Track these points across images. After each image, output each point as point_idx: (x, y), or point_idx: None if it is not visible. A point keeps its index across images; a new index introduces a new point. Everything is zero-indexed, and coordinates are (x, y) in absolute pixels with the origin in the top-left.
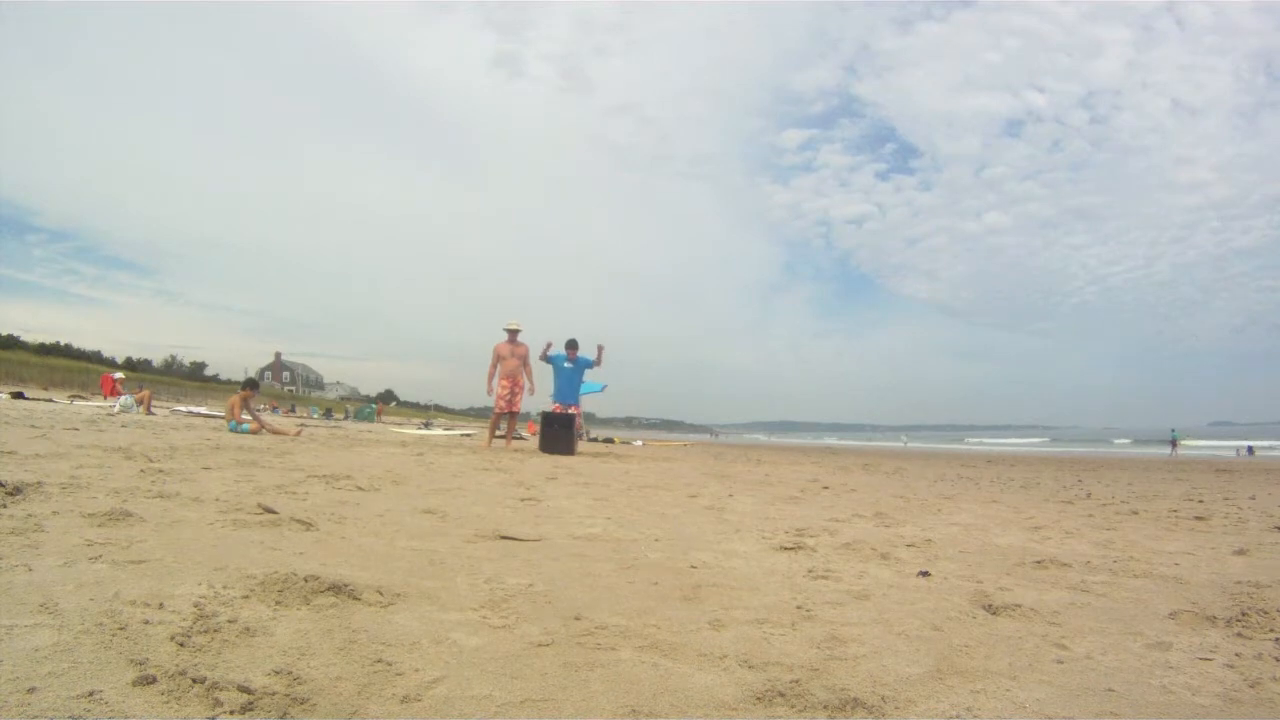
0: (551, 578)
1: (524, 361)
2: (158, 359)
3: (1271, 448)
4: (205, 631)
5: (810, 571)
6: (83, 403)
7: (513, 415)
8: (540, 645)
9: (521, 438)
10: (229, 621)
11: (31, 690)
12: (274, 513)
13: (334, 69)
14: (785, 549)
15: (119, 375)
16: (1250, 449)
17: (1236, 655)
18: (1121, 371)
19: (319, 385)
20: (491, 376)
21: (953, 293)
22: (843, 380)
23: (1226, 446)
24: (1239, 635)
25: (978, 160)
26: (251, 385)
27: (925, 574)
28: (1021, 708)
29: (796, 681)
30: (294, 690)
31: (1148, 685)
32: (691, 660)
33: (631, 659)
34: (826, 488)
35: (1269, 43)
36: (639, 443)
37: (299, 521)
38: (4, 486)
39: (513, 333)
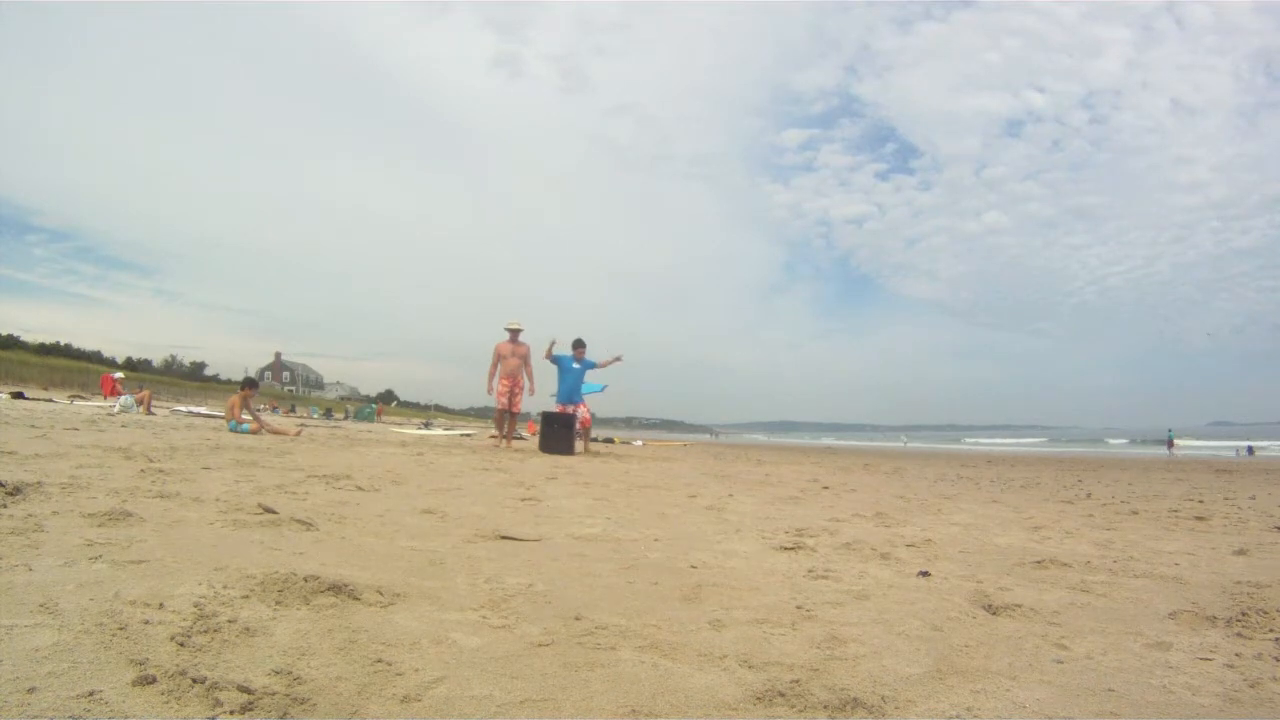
0: (551, 578)
1: (525, 361)
2: (157, 359)
3: (1267, 448)
4: (205, 631)
5: (810, 571)
6: (83, 403)
7: (512, 415)
8: (540, 645)
9: (521, 438)
10: (229, 621)
11: (32, 690)
12: (274, 513)
13: (334, 69)
14: (785, 549)
15: (119, 375)
16: (1250, 449)
17: (1236, 655)
18: (1121, 371)
19: (319, 385)
20: (492, 376)
21: (953, 292)
22: (842, 380)
23: (1225, 447)
24: (1239, 635)
25: (978, 160)
26: (250, 384)
27: (925, 574)
28: (1021, 708)
29: (796, 681)
30: (294, 690)
31: (1148, 685)
32: (691, 660)
33: (631, 659)
34: (826, 488)
35: (1269, 43)
36: (639, 442)
37: (299, 521)
38: (4, 486)
39: (514, 332)
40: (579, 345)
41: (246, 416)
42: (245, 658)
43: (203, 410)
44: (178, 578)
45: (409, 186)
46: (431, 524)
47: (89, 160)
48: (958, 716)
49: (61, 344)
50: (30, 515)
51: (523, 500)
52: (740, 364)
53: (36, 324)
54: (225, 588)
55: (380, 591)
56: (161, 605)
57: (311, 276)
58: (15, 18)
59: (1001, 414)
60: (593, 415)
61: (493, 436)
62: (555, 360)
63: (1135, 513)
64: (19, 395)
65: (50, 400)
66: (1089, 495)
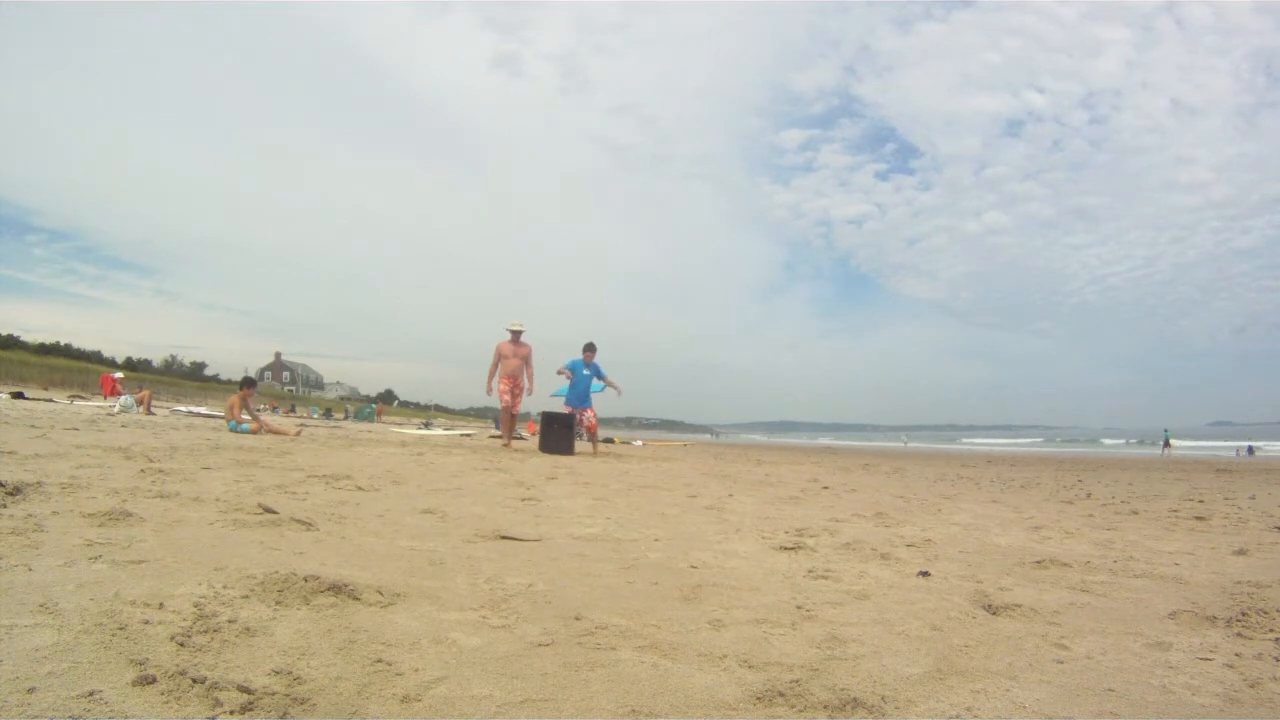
0: (551, 578)
1: (526, 362)
2: (157, 359)
3: (1263, 448)
4: (205, 631)
5: (810, 571)
6: (83, 403)
7: (512, 416)
8: (540, 645)
9: (521, 438)
10: (229, 621)
11: (31, 690)
12: (274, 513)
13: (334, 69)
14: (785, 549)
15: (119, 375)
16: (1250, 449)
17: (1236, 655)
18: (1121, 372)
19: (319, 385)
20: (492, 375)
21: (953, 292)
22: (842, 380)
23: (1225, 447)
24: (1239, 635)
25: (978, 160)
26: (249, 384)
27: (925, 574)
28: (1021, 708)
29: (796, 681)
30: (294, 690)
31: (1148, 685)
32: (691, 660)
33: (631, 659)
34: (826, 488)
35: (1269, 42)
36: (639, 443)
37: (299, 521)
38: (4, 486)
39: (516, 333)
40: (590, 349)
41: (246, 416)
42: (245, 658)
43: (203, 410)
44: (178, 578)
45: (409, 186)
46: (432, 524)
47: (89, 160)
48: (958, 716)
49: (61, 344)
50: (30, 515)
51: (523, 500)
52: (740, 364)
53: (37, 324)
54: (225, 588)
55: (380, 591)
56: (161, 605)
57: (312, 276)
58: (15, 17)
59: (1001, 414)
60: (597, 418)
61: (494, 437)
62: (569, 369)
63: (1135, 513)
64: (19, 395)
65: (50, 400)
66: (1089, 495)
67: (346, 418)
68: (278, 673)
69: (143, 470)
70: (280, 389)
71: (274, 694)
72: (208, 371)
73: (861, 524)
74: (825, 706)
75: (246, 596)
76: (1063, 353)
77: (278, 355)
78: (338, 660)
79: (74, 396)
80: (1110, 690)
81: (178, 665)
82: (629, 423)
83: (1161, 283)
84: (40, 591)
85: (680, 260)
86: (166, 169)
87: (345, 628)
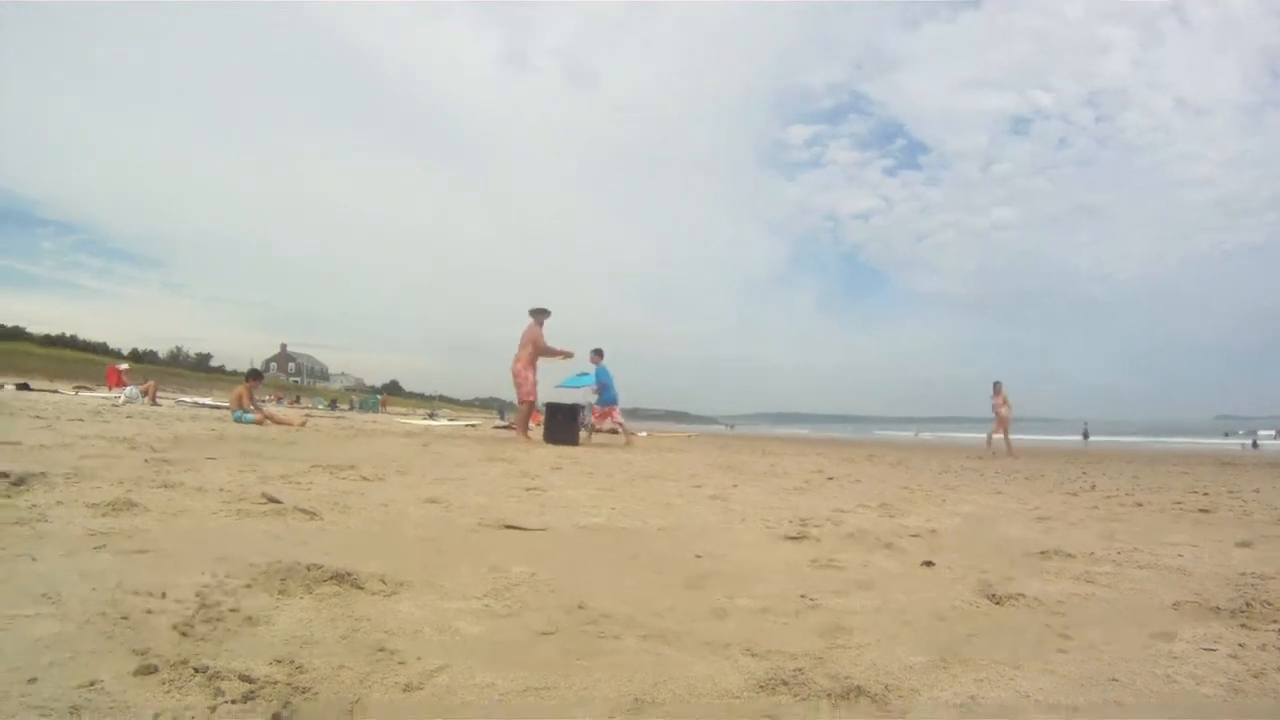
0: (555, 567)
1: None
2: (163, 350)
3: (1264, 438)
4: (207, 621)
5: (815, 561)
6: (88, 394)
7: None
8: (543, 634)
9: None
10: (231, 610)
11: (33, 680)
12: (278, 502)
13: (338, 65)
14: (790, 539)
15: (124, 367)
16: (1255, 443)
17: (1240, 646)
18: (1128, 366)
19: (324, 376)
20: (534, 366)
21: (960, 286)
22: (850, 373)
23: (1230, 441)
24: (1243, 626)
25: (985, 156)
26: (255, 375)
27: (929, 564)
28: (1025, 697)
29: (800, 670)
30: (296, 679)
31: (1151, 675)
32: (695, 649)
33: (635, 647)
34: (831, 478)
35: (1274, 42)
36: (643, 434)
37: (303, 511)
38: (8, 477)
39: (542, 314)
40: (598, 353)
41: (251, 407)
42: (247, 647)
43: (208, 401)
44: (180, 567)
45: (413, 182)
46: (436, 513)
47: (96, 155)
48: (961, 705)
49: (67, 336)
50: (34, 505)
51: (527, 490)
52: (747, 357)
53: (43, 316)
54: (228, 577)
55: (383, 580)
56: (164, 595)
57: (317, 269)
58: (20, 15)
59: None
60: (586, 407)
61: (500, 428)
62: (602, 379)
63: (1140, 505)
64: (24, 386)
65: (55, 391)
66: (1093, 487)
67: (351, 409)
68: (280, 662)
69: (147, 460)
70: (285, 380)
71: (276, 683)
72: (213, 363)
73: (866, 514)
74: (829, 695)
75: (249, 586)
76: (1068, 347)
77: (283, 346)
78: (340, 649)
79: (79, 388)
80: (1114, 680)
81: (179, 655)
82: (635, 414)
83: (1168, 278)
84: (43, 581)
85: (687, 255)
86: (172, 163)
87: (348, 616)
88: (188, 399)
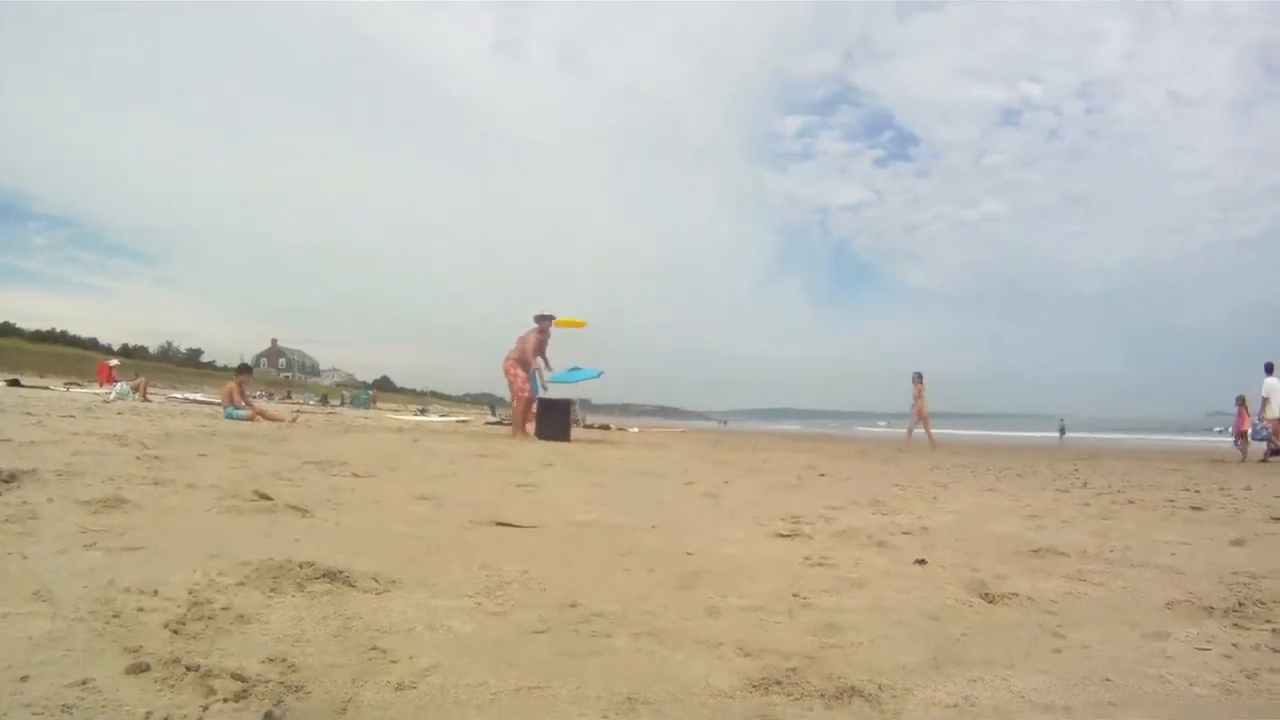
0: (547, 564)
1: (542, 355)
2: (154, 345)
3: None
4: (199, 619)
5: (807, 559)
6: (79, 390)
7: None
8: (535, 632)
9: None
10: (223, 609)
11: (25, 678)
12: (269, 499)
13: (333, 55)
14: (782, 536)
15: (114, 362)
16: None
17: (1234, 646)
18: (1119, 359)
19: (315, 371)
20: (530, 364)
21: (950, 280)
22: (841, 367)
23: (1220, 439)
24: (1236, 626)
25: (976, 148)
26: (245, 370)
27: (922, 562)
28: (1019, 696)
29: (793, 670)
30: (288, 678)
31: (1145, 675)
32: (688, 648)
33: (627, 646)
34: (823, 475)
35: (1265, 34)
36: (634, 429)
37: (294, 508)
38: None
39: (546, 320)
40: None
41: (242, 403)
42: (239, 645)
43: (199, 397)
44: (172, 565)
45: (407, 172)
46: (427, 510)
47: (89, 147)
48: (955, 705)
49: (58, 331)
50: (25, 502)
51: (519, 486)
52: (737, 351)
53: (36, 311)
54: (220, 574)
55: (375, 578)
56: (156, 593)
57: (309, 261)
58: (13, 10)
59: (1000, 403)
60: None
61: (491, 423)
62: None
63: (1131, 502)
64: (15, 382)
65: (46, 388)
66: (1085, 484)
67: (343, 404)
68: (272, 660)
69: (138, 457)
70: (277, 375)
71: (268, 681)
72: (204, 358)
73: (858, 511)
74: (822, 695)
75: (241, 584)
76: (1059, 341)
77: (274, 341)
78: (332, 647)
79: (70, 384)
80: (1107, 680)
81: (171, 653)
82: (625, 409)
83: (1159, 272)
84: (34, 579)
85: (678, 246)
86: (166, 155)
87: (340, 614)
88: (178, 395)
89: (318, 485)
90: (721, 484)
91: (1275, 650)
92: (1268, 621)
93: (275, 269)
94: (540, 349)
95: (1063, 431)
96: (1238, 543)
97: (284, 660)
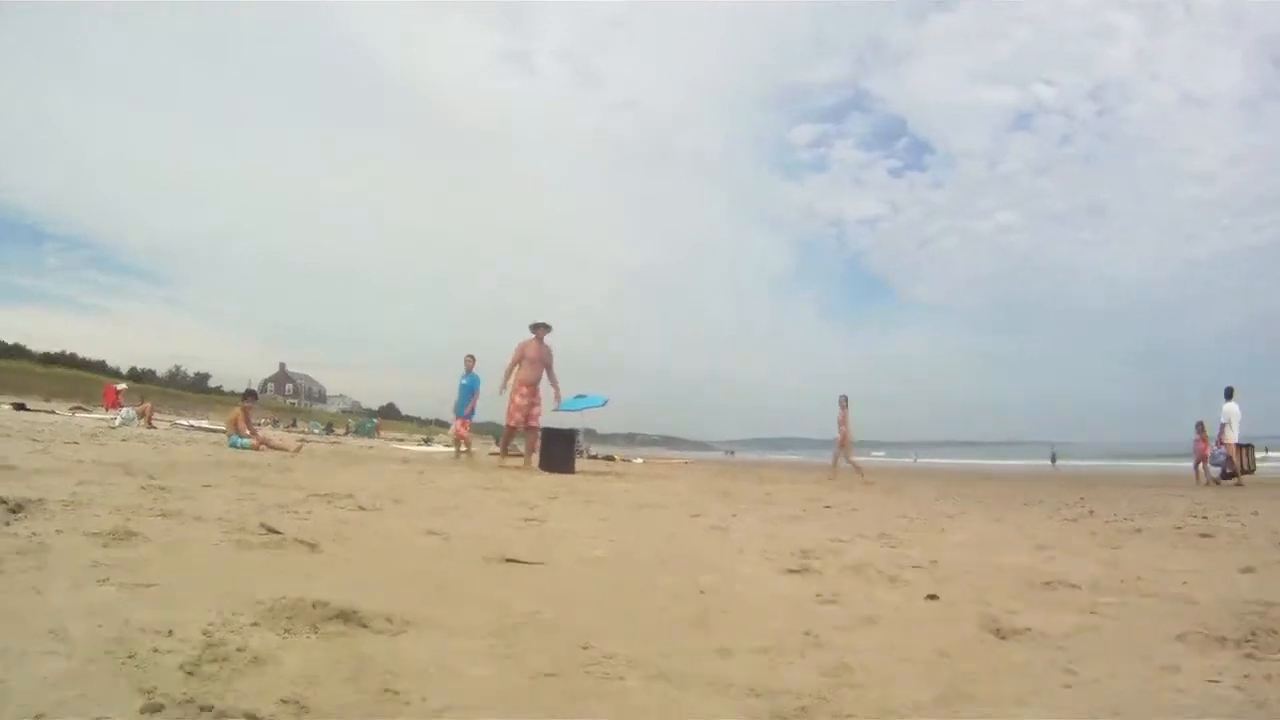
0: (558, 604)
1: (549, 368)
2: (162, 369)
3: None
4: (214, 660)
5: (818, 596)
6: (84, 415)
7: (531, 430)
8: (548, 675)
9: (518, 453)
10: (238, 650)
11: (40, 717)
12: (278, 533)
13: (343, 71)
14: (792, 571)
15: (121, 387)
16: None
17: (1245, 677)
18: (1120, 380)
19: (321, 398)
20: (509, 374)
21: (968, 297)
22: (852, 392)
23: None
24: (1248, 656)
25: (989, 156)
26: (250, 396)
27: (933, 597)
28: None
29: (804, 709)
30: (301, 719)
31: (1155, 708)
32: (699, 689)
33: (639, 688)
34: (829, 506)
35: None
36: (639, 460)
37: (303, 543)
38: (6, 503)
39: (543, 329)
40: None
41: (247, 432)
42: (254, 686)
43: (204, 424)
44: (186, 603)
45: (417, 191)
46: (435, 545)
47: (102, 168)
48: None
49: (66, 354)
50: (34, 534)
51: (526, 520)
52: (743, 376)
53: (47, 333)
54: (234, 614)
55: (389, 619)
56: (170, 633)
57: (320, 284)
58: (21, 23)
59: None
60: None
61: (495, 454)
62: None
63: (1139, 530)
64: (20, 406)
65: (52, 412)
66: (1091, 513)
67: (347, 433)
68: (285, 701)
69: (144, 487)
70: (283, 401)
71: None
72: (211, 382)
73: (866, 544)
74: None
75: (255, 624)
76: (1058, 360)
77: (282, 366)
78: (345, 689)
79: (76, 408)
80: (1118, 715)
81: (185, 694)
82: (631, 439)
83: (1170, 282)
84: (50, 617)
85: (684, 261)
86: (179, 176)
87: (354, 656)
88: (184, 422)
89: (324, 518)
90: (729, 517)
91: None
92: (1279, 651)
93: (285, 291)
94: (546, 359)
95: (1054, 459)
96: (1248, 570)
97: (297, 702)
